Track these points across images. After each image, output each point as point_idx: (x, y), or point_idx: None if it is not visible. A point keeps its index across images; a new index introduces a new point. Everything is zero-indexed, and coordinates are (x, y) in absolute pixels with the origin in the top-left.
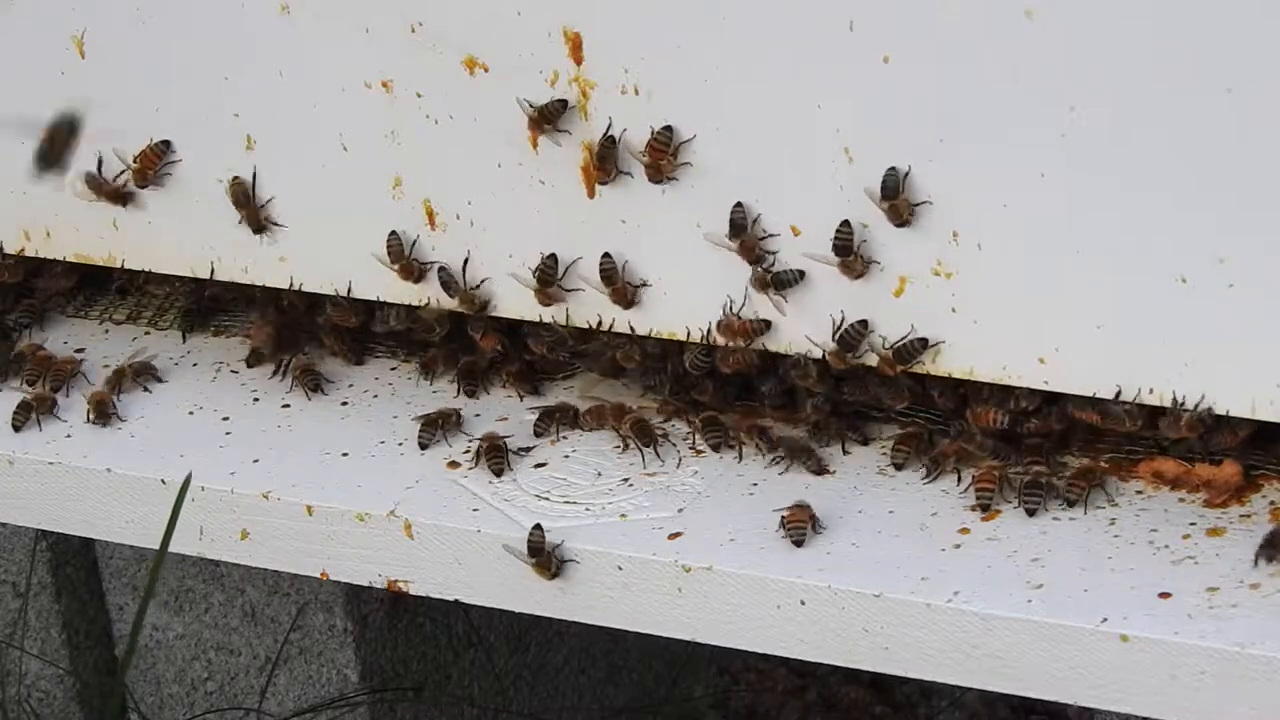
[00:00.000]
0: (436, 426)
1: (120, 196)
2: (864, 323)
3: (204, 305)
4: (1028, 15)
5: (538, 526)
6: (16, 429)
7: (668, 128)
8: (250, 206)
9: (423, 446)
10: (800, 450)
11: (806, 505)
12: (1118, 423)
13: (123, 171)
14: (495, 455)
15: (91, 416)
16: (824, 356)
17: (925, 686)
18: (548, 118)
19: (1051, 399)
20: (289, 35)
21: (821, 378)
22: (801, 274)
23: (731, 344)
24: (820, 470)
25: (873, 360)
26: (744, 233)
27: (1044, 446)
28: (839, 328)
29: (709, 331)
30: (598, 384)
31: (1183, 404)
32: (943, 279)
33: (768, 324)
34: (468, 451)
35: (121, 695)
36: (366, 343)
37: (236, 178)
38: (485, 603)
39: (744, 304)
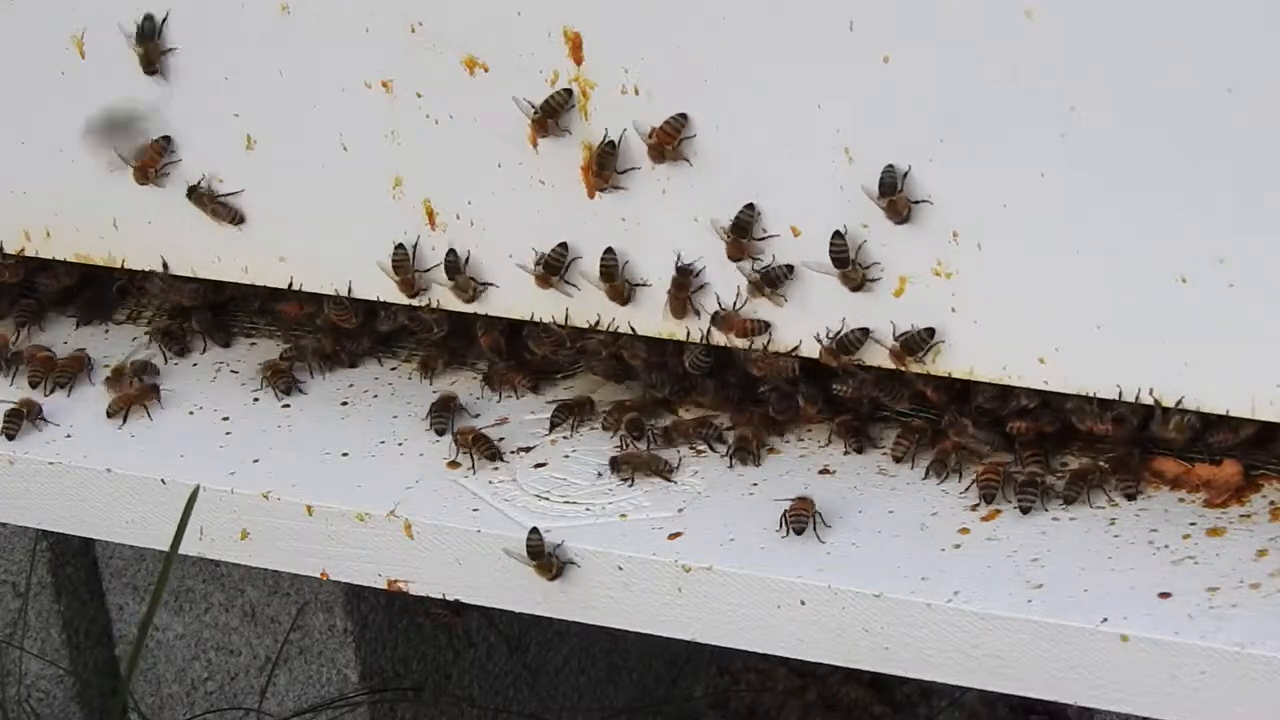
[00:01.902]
0: (447, 410)
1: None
2: (865, 331)
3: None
4: (1028, 15)
5: (535, 530)
6: (10, 437)
7: (683, 114)
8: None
9: (440, 432)
10: (646, 463)
11: (810, 500)
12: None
13: None
14: (483, 444)
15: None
16: (819, 353)
17: (925, 686)
18: (551, 112)
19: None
20: (289, 35)
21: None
22: (790, 269)
23: (728, 339)
24: (667, 473)
25: (878, 357)
26: (745, 234)
27: (1043, 445)
28: (839, 332)
29: (708, 331)
30: (599, 385)
31: (1176, 405)
32: (943, 279)
33: (767, 325)
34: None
35: (124, 698)
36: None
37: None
38: (485, 603)
39: (745, 301)
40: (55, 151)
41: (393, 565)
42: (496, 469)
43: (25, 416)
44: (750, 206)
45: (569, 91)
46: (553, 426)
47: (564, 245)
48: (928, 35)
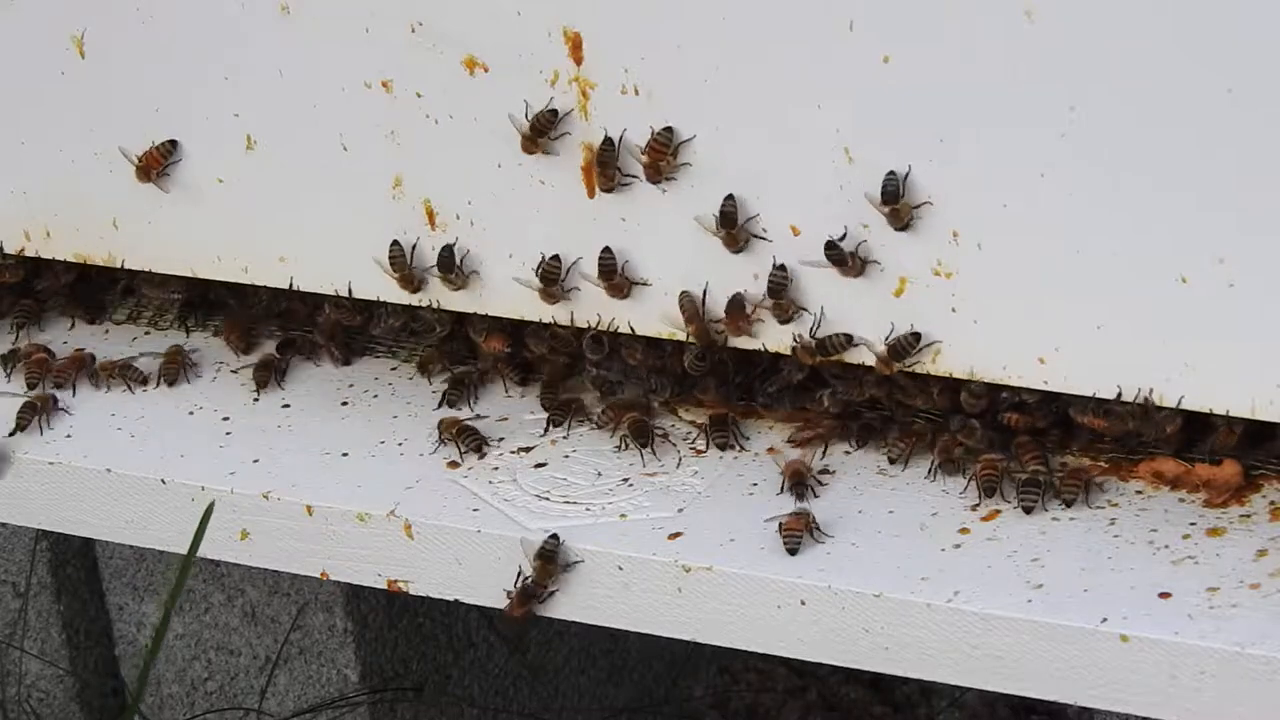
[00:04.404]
0: (464, 386)
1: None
2: (848, 336)
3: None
4: (1028, 15)
5: (554, 536)
6: (22, 428)
7: (668, 128)
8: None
9: (451, 404)
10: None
11: (806, 512)
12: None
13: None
14: (470, 435)
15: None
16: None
17: (925, 686)
18: (540, 130)
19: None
20: (289, 35)
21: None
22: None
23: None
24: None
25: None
26: (733, 225)
27: (1043, 445)
28: (819, 333)
29: (723, 334)
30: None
31: (1177, 405)
32: (943, 279)
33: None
34: (468, 453)
35: (134, 709)
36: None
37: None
38: (485, 603)
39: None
40: (55, 151)
41: (393, 565)
42: (496, 469)
43: (40, 411)
44: (730, 197)
45: (554, 112)
46: (553, 425)
47: (556, 258)
48: (928, 35)
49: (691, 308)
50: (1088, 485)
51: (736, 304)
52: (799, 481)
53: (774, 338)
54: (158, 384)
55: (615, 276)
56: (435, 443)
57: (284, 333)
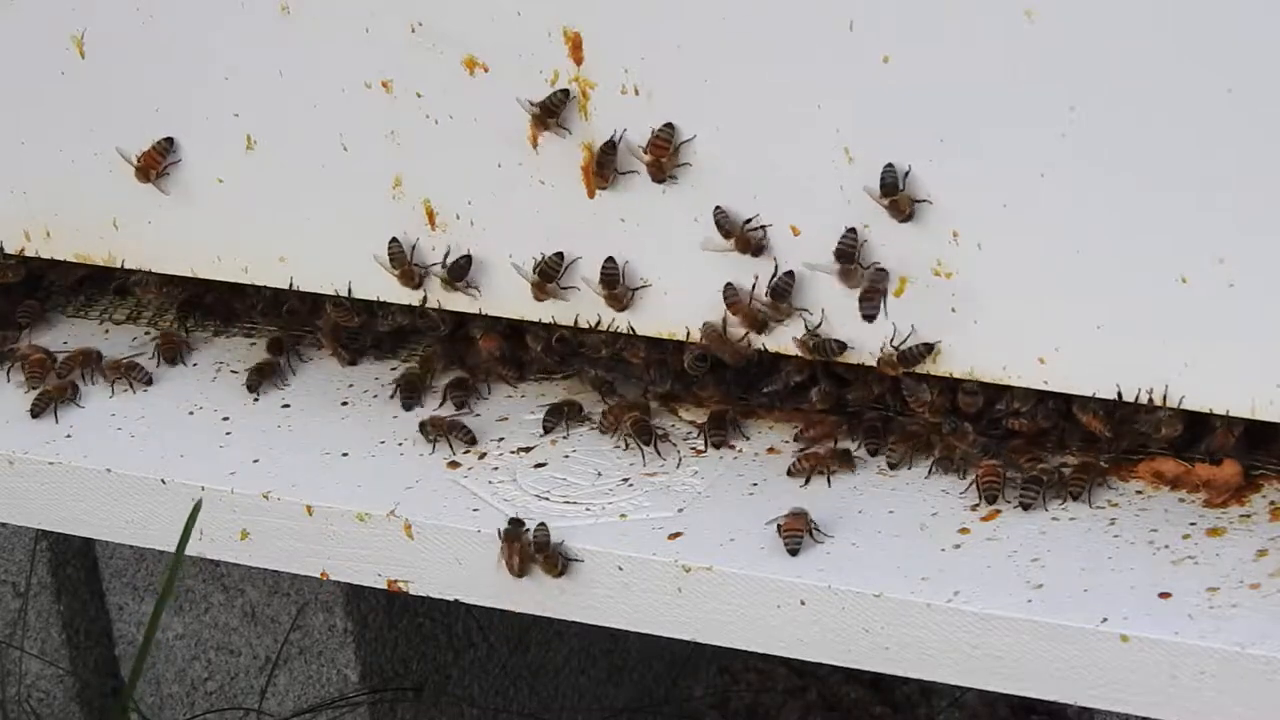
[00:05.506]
0: (463, 388)
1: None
2: (842, 344)
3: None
4: (1028, 15)
5: (542, 525)
6: (35, 415)
7: (669, 124)
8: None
9: (458, 406)
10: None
11: (804, 513)
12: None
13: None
14: (460, 431)
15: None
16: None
17: (925, 686)
18: (550, 111)
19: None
20: (289, 35)
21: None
22: (790, 275)
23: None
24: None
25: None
26: (733, 230)
27: (1043, 445)
28: (814, 330)
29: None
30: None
31: (1178, 404)
32: (943, 279)
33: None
34: (468, 452)
35: (127, 707)
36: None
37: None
38: (485, 603)
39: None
40: (55, 151)
41: (393, 565)
42: (496, 469)
43: (56, 400)
44: (718, 208)
45: (566, 92)
46: (546, 430)
47: (559, 255)
48: (928, 35)
49: (715, 335)
50: (1093, 479)
51: (731, 295)
52: (837, 460)
53: (775, 339)
54: (158, 364)
55: (617, 286)
56: (428, 441)
57: (281, 331)
